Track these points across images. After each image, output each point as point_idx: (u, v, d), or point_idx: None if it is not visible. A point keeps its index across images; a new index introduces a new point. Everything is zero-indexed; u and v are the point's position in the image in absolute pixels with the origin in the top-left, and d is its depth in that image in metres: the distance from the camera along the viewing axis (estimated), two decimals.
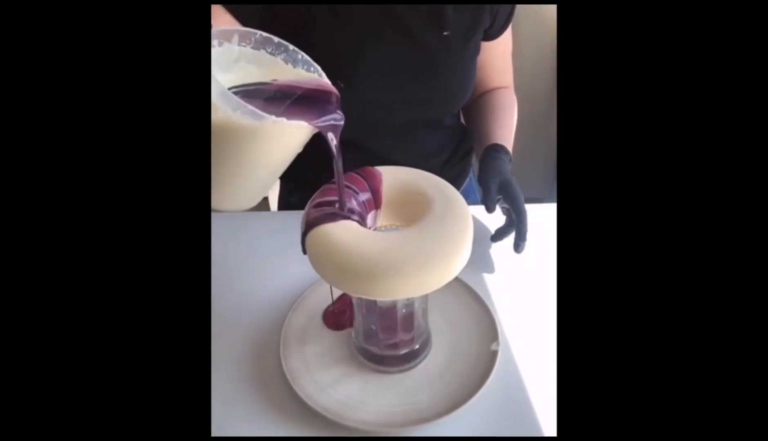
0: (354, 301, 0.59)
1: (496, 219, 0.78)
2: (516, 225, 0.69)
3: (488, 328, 0.62)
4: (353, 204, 0.52)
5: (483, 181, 0.71)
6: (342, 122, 0.47)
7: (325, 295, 0.64)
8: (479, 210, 0.80)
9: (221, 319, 0.64)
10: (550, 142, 1.68)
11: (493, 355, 0.59)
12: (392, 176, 0.54)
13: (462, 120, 0.93)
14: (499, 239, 0.72)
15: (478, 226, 0.72)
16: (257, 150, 0.45)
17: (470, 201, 0.95)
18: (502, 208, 0.71)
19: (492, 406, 0.55)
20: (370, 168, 0.54)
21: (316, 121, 0.45)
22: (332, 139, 0.47)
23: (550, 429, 0.54)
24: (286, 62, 0.49)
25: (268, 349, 0.61)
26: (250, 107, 0.41)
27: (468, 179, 0.96)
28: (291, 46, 0.49)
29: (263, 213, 0.87)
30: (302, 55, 0.49)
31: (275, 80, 0.48)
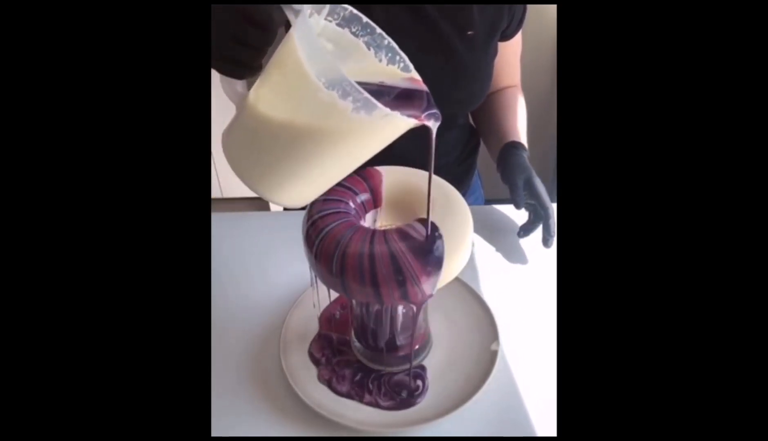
0: (353, 301, 0.59)
1: (495, 219, 0.78)
2: (543, 220, 0.70)
3: (488, 328, 0.62)
4: (351, 205, 0.52)
5: (509, 178, 0.72)
6: (440, 119, 0.43)
7: (325, 295, 0.64)
8: (479, 210, 0.80)
9: (221, 319, 0.64)
10: (550, 141, 1.68)
11: (493, 355, 0.59)
12: (392, 176, 0.54)
13: (470, 118, 0.94)
14: (526, 235, 0.73)
15: (479, 226, 0.72)
16: (358, 144, 0.41)
17: (475, 198, 0.95)
18: (527, 204, 0.72)
19: (492, 406, 0.55)
20: (370, 168, 0.54)
21: (422, 117, 0.42)
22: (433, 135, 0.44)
23: (550, 429, 0.54)
24: (368, 47, 0.44)
25: (268, 349, 0.61)
26: (366, 95, 0.36)
27: (474, 176, 0.96)
28: (378, 30, 0.43)
29: (263, 213, 0.87)
30: (389, 40, 0.44)
31: (382, 82, 0.44)
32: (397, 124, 0.39)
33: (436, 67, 0.74)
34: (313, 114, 0.38)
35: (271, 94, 0.41)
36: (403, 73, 0.45)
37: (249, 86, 0.45)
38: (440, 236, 0.47)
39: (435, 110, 0.43)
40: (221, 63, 0.44)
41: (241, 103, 0.44)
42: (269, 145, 0.41)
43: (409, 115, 0.39)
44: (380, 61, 0.45)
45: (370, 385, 0.57)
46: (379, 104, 0.36)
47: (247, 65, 0.44)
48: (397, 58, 0.45)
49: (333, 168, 0.43)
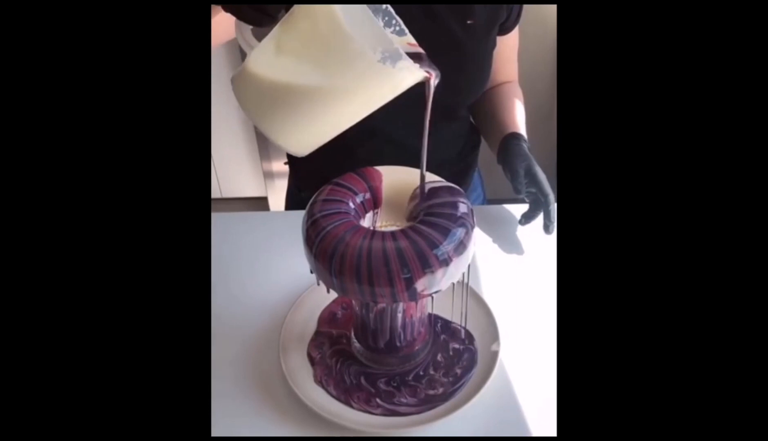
0: (354, 302, 0.59)
1: (495, 219, 0.78)
2: (544, 207, 0.71)
3: (488, 328, 0.62)
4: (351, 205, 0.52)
5: (510, 166, 0.74)
6: (440, 77, 0.47)
7: (325, 295, 0.64)
8: (479, 210, 0.80)
9: (221, 319, 0.64)
10: (550, 141, 1.68)
11: (493, 355, 0.59)
12: (392, 176, 0.54)
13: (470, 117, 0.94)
14: (528, 222, 0.74)
15: (479, 226, 0.72)
16: (376, 92, 0.42)
17: (476, 196, 0.95)
18: (528, 192, 0.73)
19: (492, 406, 0.55)
20: (370, 168, 0.54)
21: (432, 73, 0.45)
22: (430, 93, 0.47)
23: (550, 429, 0.54)
24: None
25: (268, 349, 0.61)
26: (397, 46, 0.38)
27: (474, 174, 0.97)
28: None
29: (263, 213, 0.87)
30: (387, 6, 0.46)
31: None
32: (411, 75, 0.42)
33: (438, 54, 0.75)
34: (341, 62, 0.40)
35: (295, 43, 0.43)
36: (398, 37, 0.47)
37: (256, 36, 0.47)
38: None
39: (436, 69, 0.46)
40: (246, 10, 0.46)
41: (252, 51, 0.46)
42: (290, 92, 0.43)
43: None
44: None
45: (367, 384, 0.57)
46: (404, 54, 0.38)
47: (270, 14, 0.46)
48: (393, 21, 0.46)
49: (349, 114, 0.45)
